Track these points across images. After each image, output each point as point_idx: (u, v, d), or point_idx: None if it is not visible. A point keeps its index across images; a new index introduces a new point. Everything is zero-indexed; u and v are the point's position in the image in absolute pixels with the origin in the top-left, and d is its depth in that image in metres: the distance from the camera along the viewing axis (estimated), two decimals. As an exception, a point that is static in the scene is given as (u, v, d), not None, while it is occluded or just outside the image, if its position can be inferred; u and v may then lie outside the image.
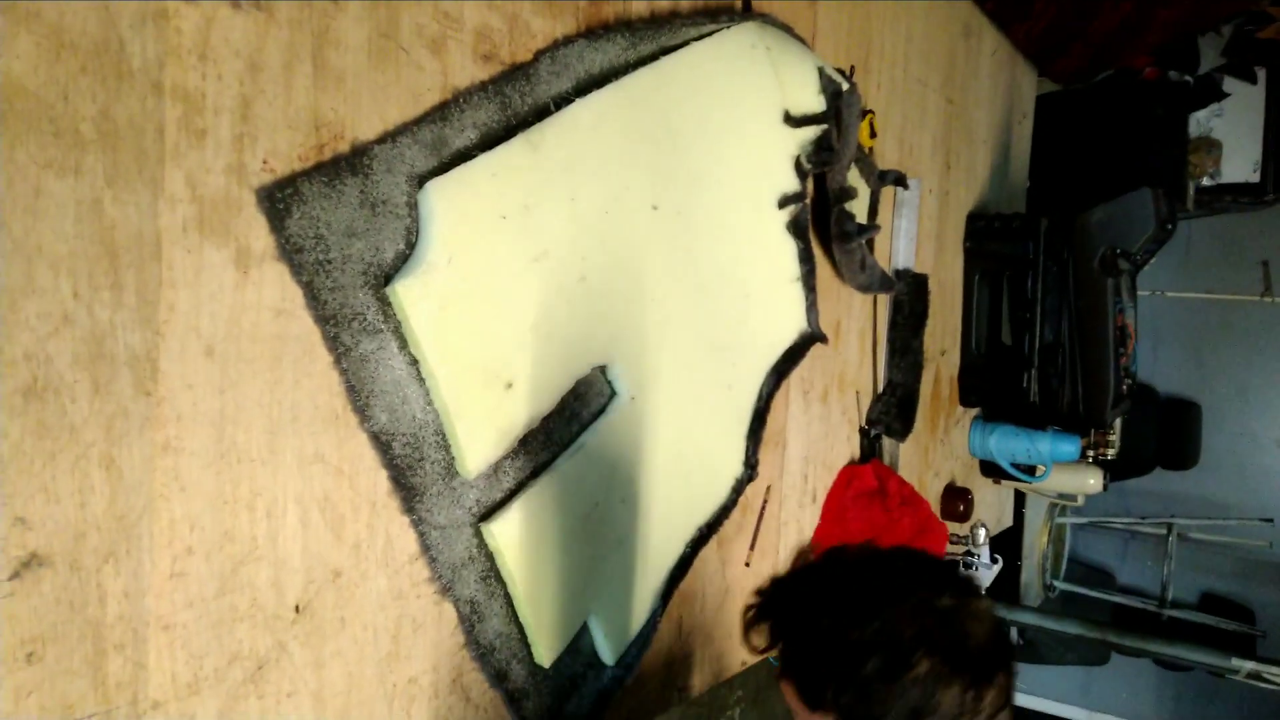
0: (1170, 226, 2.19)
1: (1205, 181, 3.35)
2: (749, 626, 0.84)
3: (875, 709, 0.71)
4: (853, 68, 1.62)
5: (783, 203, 1.29)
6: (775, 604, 0.83)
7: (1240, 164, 3.29)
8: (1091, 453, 2.60)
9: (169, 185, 0.68)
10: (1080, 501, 2.78)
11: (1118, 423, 2.64)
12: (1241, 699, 3.51)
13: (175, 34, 0.68)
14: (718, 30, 1.16)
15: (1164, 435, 3.60)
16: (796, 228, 1.33)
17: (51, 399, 0.62)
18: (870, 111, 1.64)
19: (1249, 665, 2.34)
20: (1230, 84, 3.22)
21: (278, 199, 0.75)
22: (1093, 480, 2.48)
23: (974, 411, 2.34)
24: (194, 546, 0.71)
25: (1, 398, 0.60)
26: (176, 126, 0.68)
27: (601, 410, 1.11)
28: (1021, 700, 4.15)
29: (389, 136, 0.84)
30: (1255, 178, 3.28)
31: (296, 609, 0.79)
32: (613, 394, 1.12)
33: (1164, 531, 3.54)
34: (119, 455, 0.66)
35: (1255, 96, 3.20)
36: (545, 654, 1.04)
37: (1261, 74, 3.18)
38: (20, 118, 0.60)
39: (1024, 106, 2.67)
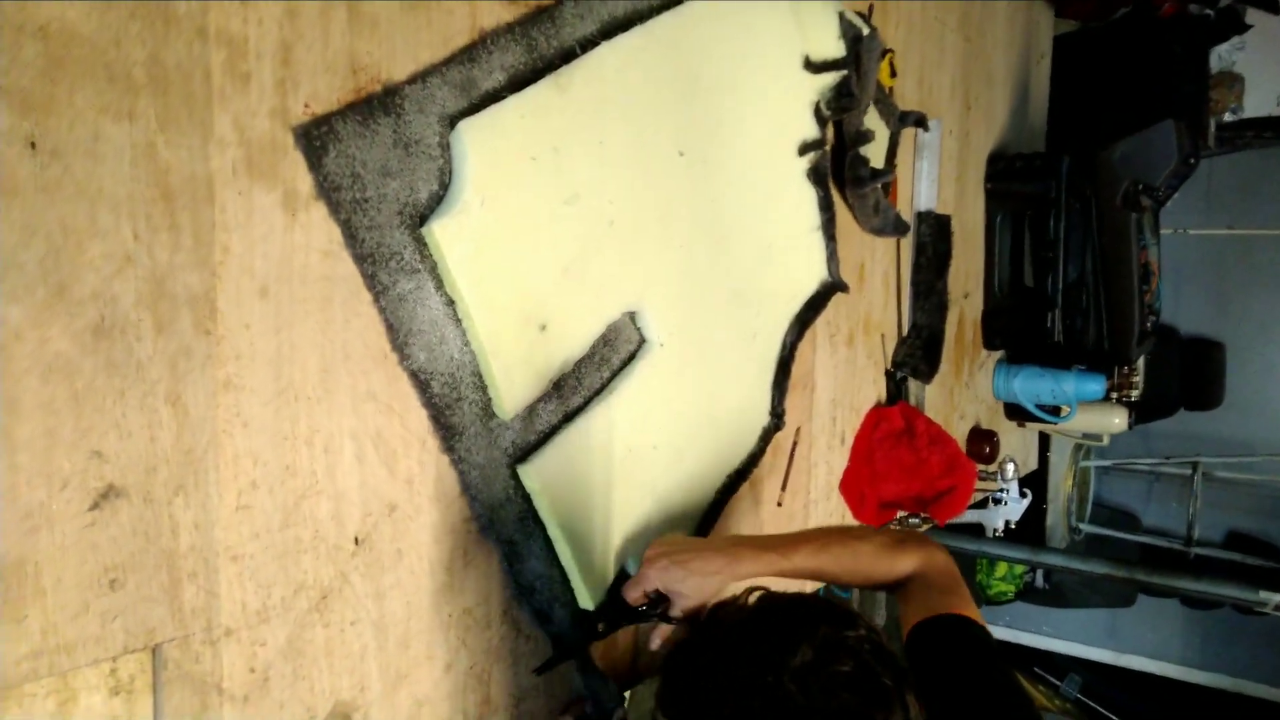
0: (1193, 160, 2.17)
1: (1227, 117, 3.31)
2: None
3: None
4: (871, 5, 1.60)
5: (803, 150, 1.30)
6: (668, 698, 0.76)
7: (1263, 98, 3.24)
8: (1115, 394, 2.61)
9: (218, 129, 0.70)
10: (1105, 441, 2.78)
11: (1141, 363, 2.63)
12: (1267, 637, 3.52)
13: (216, -21, 0.69)
14: (738, -31, 1.16)
15: (1188, 376, 3.59)
16: (816, 175, 1.34)
17: (119, 337, 0.65)
18: (890, 51, 1.63)
19: (1277, 597, 2.36)
20: (1252, 15, 3.16)
21: (314, 137, 0.77)
22: (1118, 419, 2.48)
23: (998, 354, 2.34)
24: (257, 480, 0.74)
25: (73, 335, 0.62)
26: (222, 71, 0.70)
27: (632, 356, 1.12)
28: (1049, 644, 4.20)
29: (419, 77, 0.85)
30: (1278, 111, 3.24)
31: (356, 541, 0.82)
32: (642, 340, 1.13)
33: (1189, 472, 3.53)
34: (183, 392, 0.69)
35: (1278, 27, 3.14)
36: (587, 597, 1.07)
37: (1285, 3, 3.11)
38: (77, 63, 0.62)
39: (1041, 46, 2.63)
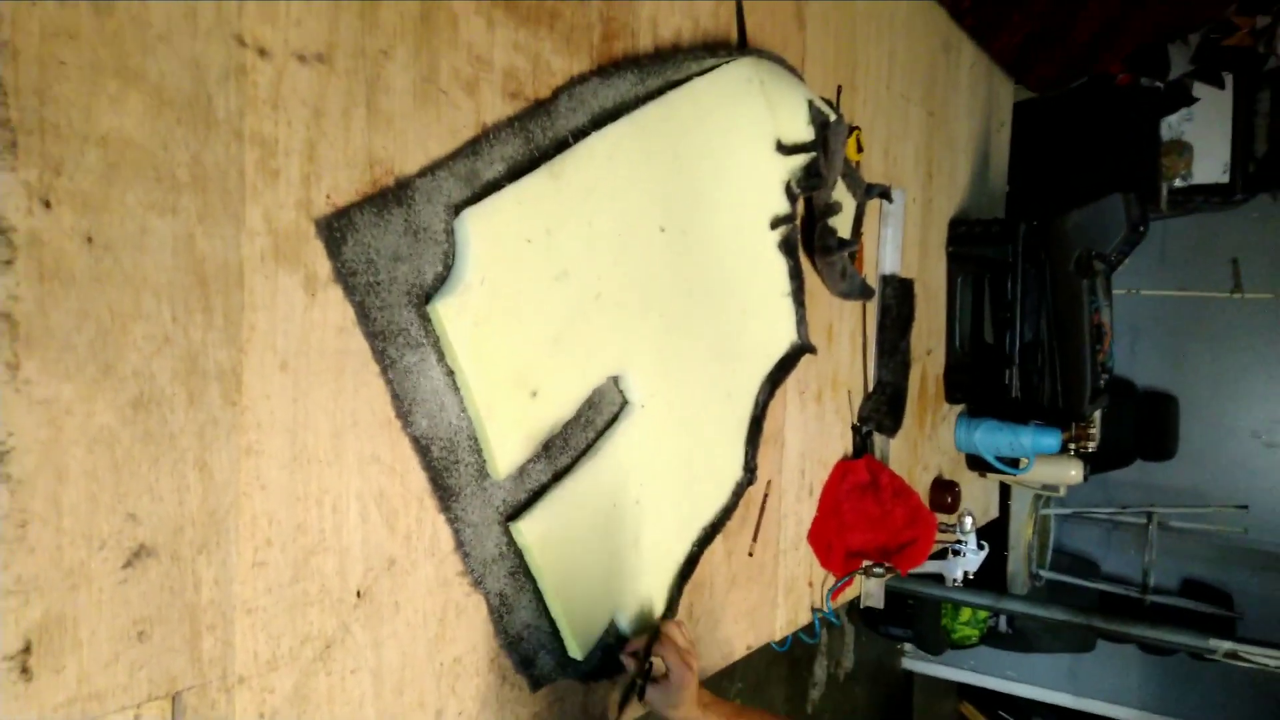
0: (1142, 228, 2.31)
1: (1178, 183, 3.49)
2: None
3: None
4: (839, 87, 1.72)
5: (774, 224, 1.40)
6: None
7: (1210, 166, 3.42)
8: (1073, 446, 2.72)
9: (249, 220, 0.77)
10: (1063, 492, 2.90)
11: (1098, 416, 2.75)
12: (1220, 680, 3.63)
13: (253, 87, 0.77)
14: (717, 65, 1.26)
15: (1143, 427, 3.73)
16: (787, 246, 1.43)
17: (155, 410, 0.72)
18: (857, 128, 1.75)
19: (1226, 645, 2.45)
20: (1199, 89, 3.35)
21: (334, 228, 0.85)
22: (1074, 471, 2.59)
23: (959, 407, 2.45)
24: (272, 538, 0.80)
25: (116, 409, 0.69)
26: (255, 168, 0.77)
27: (615, 417, 1.20)
28: (1011, 688, 4.28)
29: (429, 170, 0.93)
30: (1225, 179, 3.42)
31: (358, 594, 0.88)
32: (625, 402, 1.21)
33: (1144, 521, 3.67)
34: (210, 458, 0.75)
35: (1223, 101, 3.33)
36: (578, 648, 1.13)
37: (1228, 79, 3.31)
38: (130, 166, 0.69)
39: (1001, 115, 2.78)
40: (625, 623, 1.23)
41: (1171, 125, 3.41)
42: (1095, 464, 3.02)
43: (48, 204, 0.65)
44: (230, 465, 0.77)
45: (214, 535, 0.76)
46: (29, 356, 0.64)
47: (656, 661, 1.16)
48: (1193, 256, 3.63)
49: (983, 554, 1.81)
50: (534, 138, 1.05)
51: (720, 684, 2.58)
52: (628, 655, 1.18)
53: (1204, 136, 3.41)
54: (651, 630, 1.18)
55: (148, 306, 0.71)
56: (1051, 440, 2.31)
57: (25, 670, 0.65)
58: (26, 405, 0.64)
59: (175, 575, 0.74)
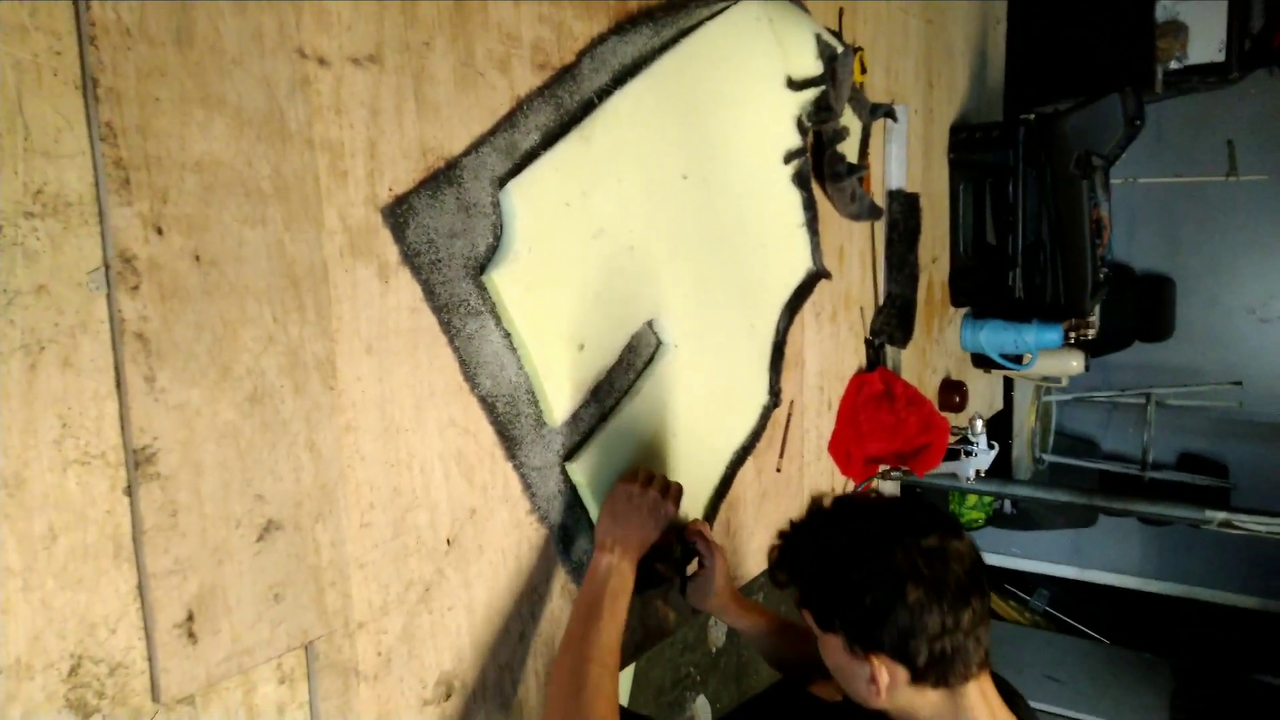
0: (1139, 122, 2.35)
1: (1173, 65, 3.48)
2: (773, 567, 1.01)
3: (874, 631, 0.87)
4: (841, 10, 1.74)
5: (787, 158, 1.45)
6: (792, 549, 0.99)
7: (1206, 45, 3.41)
8: (1073, 334, 2.82)
9: (327, 221, 0.84)
10: (1065, 383, 3.01)
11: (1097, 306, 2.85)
12: (1215, 548, 3.84)
13: (317, 95, 0.83)
14: (726, 7, 1.30)
15: (1141, 310, 3.83)
16: (800, 179, 1.49)
17: (268, 402, 0.80)
18: (860, 49, 1.77)
19: (1220, 515, 2.61)
20: (1195, -34, 3.31)
21: (397, 214, 0.91)
22: (1075, 363, 2.70)
23: (964, 310, 2.54)
24: (374, 502, 0.90)
25: (236, 406, 0.78)
26: (327, 172, 0.84)
27: (652, 358, 1.29)
28: (1018, 564, 4.50)
29: (473, 148, 0.99)
30: (1220, 57, 3.41)
31: (448, 542, 0.99)
32: (659, 344, 1.30)
33: (1143, 400, 3.80)
34: (317, 438, 0.84)
35: (1220, -24, 3.29)
36: None
37: (1225, -46, 3.27)
38: (223, 186, 0.76)
39: (997, 12, 2.78)
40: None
41: (1166, 6, 3.38)
42: (1095, 349, 3.13)
43: (160, 230, 0.72)
44: (334, 442, 0.86)
45: (327, 505, 0.86)
46: (161, 369, 0.72)
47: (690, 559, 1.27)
48: (1189, 141, 3.65)
49: (993, 453, 1.92)
50: (563, 103, 1.10)
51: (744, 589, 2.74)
52: (661, 563, 1.26)
53: (1199, 15, 3.38)
54: (678, 528, 1.26)
55: (252, 311, 0.79)
56: (1054, 335, 2.41)
57: (191, 635, 0.75)
58: (164, 411, 0.73)
59: (299, 543, 0.84)
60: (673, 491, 1.18)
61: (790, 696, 1.02)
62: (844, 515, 0.97)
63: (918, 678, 0.87)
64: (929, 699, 0.88)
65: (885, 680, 0.87)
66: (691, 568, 1.29)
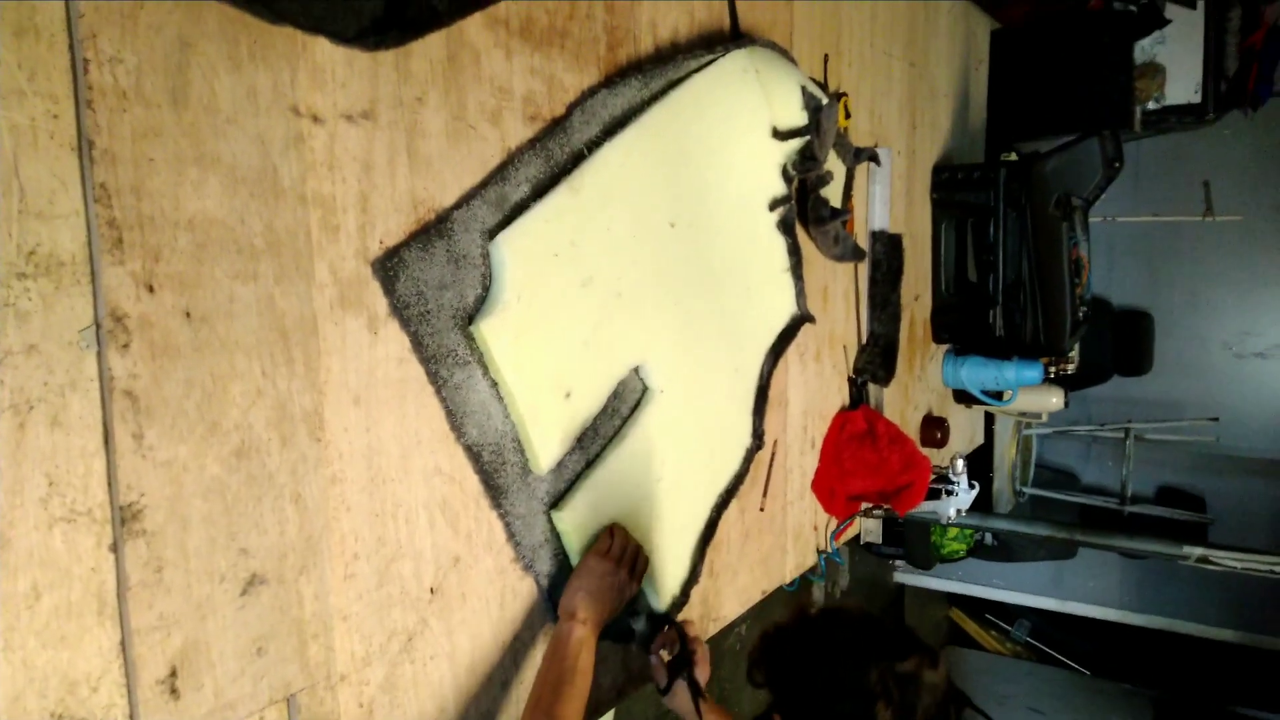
0: (1118, 165, 2.39)
1: (1151, 105, 3.55)
2: (752, 665, 1.04)
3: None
4: (826, 56, 1.77)
5: (772, 205, 1.48)
6: (773, 651, 1.03)
7: (1183, 86, 3.48)
8: (1053, 369, 2.85)
9: (318, 275, 0.85)
10: (1045, 419, 3.04)
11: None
12: (1194, 582, 3.87)
13: (310, 152, 0.84)
14: (714, 59, 1.32)
15: (1120, 344, 3.88)
16: (785, 226, 1.52)
17: (254, 456, 0.81)
18: (844, 94, 1.81)
19: (1198, 551, 2.63)
20: (1171, 10, 3.39)
21: (388, 267, 0.92)
22: (1055, 399, 2.73)
23: (946, 346, 2.56)
24: (359, 553, 0.90)
25: (222, 460, 0.78)
26: (318, 227, 0.85)
27: (638, 404, 1.30)
28: (999, 595, 4.52)
29: (464, 201, 1.00)
30: (1197, 98, 3.48)
31: (431, 591, 0.99)
32: (645, 389, 1.31)
33: (1122, 435, 3.84)
34: (303, 490, 0.85)
35: (1195, 21, 3.38)
36: None
37: (1200, 0, 3.35)
38: (215, 244, 0.77)
39: (979, 54, 2.83)
40: (650, 589, 1.34)
41: (1145, 48, 3.46)
42: (1075, 383, 3.16)
43: (151, 288, 0.73)
44: (320, 494, 0.86)
45: (311, 557, 0.86)
46: (150, 426, 0.73)
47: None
48: (1166, 180, 3.72)
49: (974, 493, 1.94)
50: (553, 155, 1.11)
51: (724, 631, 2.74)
52: (656, 652, 1.25)
53: (1176, 57, 3.46)
54: (673, 628, 1.25)
55: (241, 366, 0.79)
56: (1034, 373, 2.44)
57: (174, 691, 0.75)
58: (152, 468, 0.73)
59: (283, 596, 0.84)
60: (639, 568, 1.20)
61: None
62: (828, 626, 1.02)
63: None
64: None
65: None
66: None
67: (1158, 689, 4.18)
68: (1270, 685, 3.93)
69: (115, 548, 0.72)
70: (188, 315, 0.75)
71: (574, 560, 1.19)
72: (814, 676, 0.96)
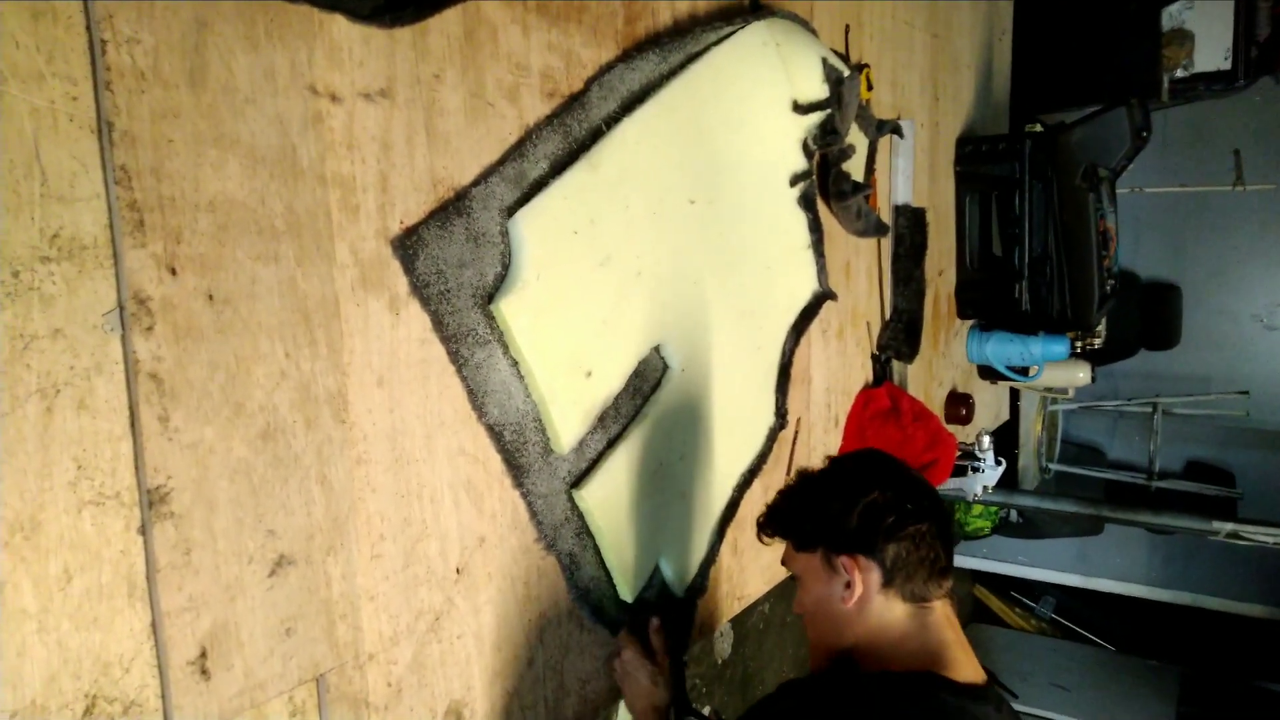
0: (1145, 134, 2.35)
1: (1179, 73, 3.47)
2: (761, 525, 1.12)
3: (844, 526, 0.98)
4: (847, 26, 1.74)
5: (793, 181, 1.45)
6: (780, 503, 1.11)
7: (1212, 53, 3.40)
8: (1080, 344, 2.81)
9: (339, 256, 0.85)
10: (1071, 394, 3.01)
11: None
12: (1222, 558, 3.83)
13: (329, 132, 0.83)
14: (733, 32, 1.30)
15: (1147, 318, 3.83)
16: (806, 201, 1.49)
17: (280, 438, 0.81)
18: (866, 66, 1.77)
19: (1228, 526, 2.61)
20: (1201, -26, 3.31)
21: (407, 246, 0.92)
22: (1081, 374, 2.69)
23: (971, 322, 2.53)
24: (385, 534, 0.91)
25: (248, 442, 0.78)
26: (338, 207, 0.84)
27: (658, 383, 1.29)
28: (1025, 571, 4.50)
29: (482, 178, 0.99)
30: (1227, 65, 3.40)
31: (457, 571, 0.99)
32: (666, 368, 1.30)
33: (1149, 409, 3.79)
34: (329, 472, 0.85)
35: (1225, -15, 3.29)
36: (627, 591, 1.25)
37: (1231, -38, 3.26)
38: (237, 225, 0.76)
39: (1003, 24, 2.77)
40: (668, 566, 1.34)
41: (1173, 14, 3.38)
42: (1101, 358, 3.12)
43: (173, 271, 0.73)
44: (345, 475, 0.86)
45: (338, 538, 0.86)
46: (175, 408, 0.73)
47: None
48: (1195, 150, 3.65)
49: (1000, 469, 1.92)
50: (571, 131, 1.10)
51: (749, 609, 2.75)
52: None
53: (1205, 23, 3.38)
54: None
55: (264, 348, 0.79)
56: (1060, 348, 2.40)
57: (204, 671, 0.76)
58: (178, 451, 0.73)
59: (310, 576, 0.84)
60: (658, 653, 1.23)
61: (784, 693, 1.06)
62: (833, 466, 1.09)
63: (887, 580, 0.95)
64: (897, 614, 0.95)
65: (859, 583, 0.95)
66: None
67: (1184, 665, 4.15)
68: (1300, 661, 3.90)
69: (144, 530, 0.72)
70: (210, 297, 0.75)
71: (598, 538, 1.19)
72: (815, 494, 1.05)
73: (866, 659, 0.95)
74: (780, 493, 1.12)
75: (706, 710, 1.23)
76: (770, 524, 1.10)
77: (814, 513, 1.03)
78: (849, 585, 0.96)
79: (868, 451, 1.13)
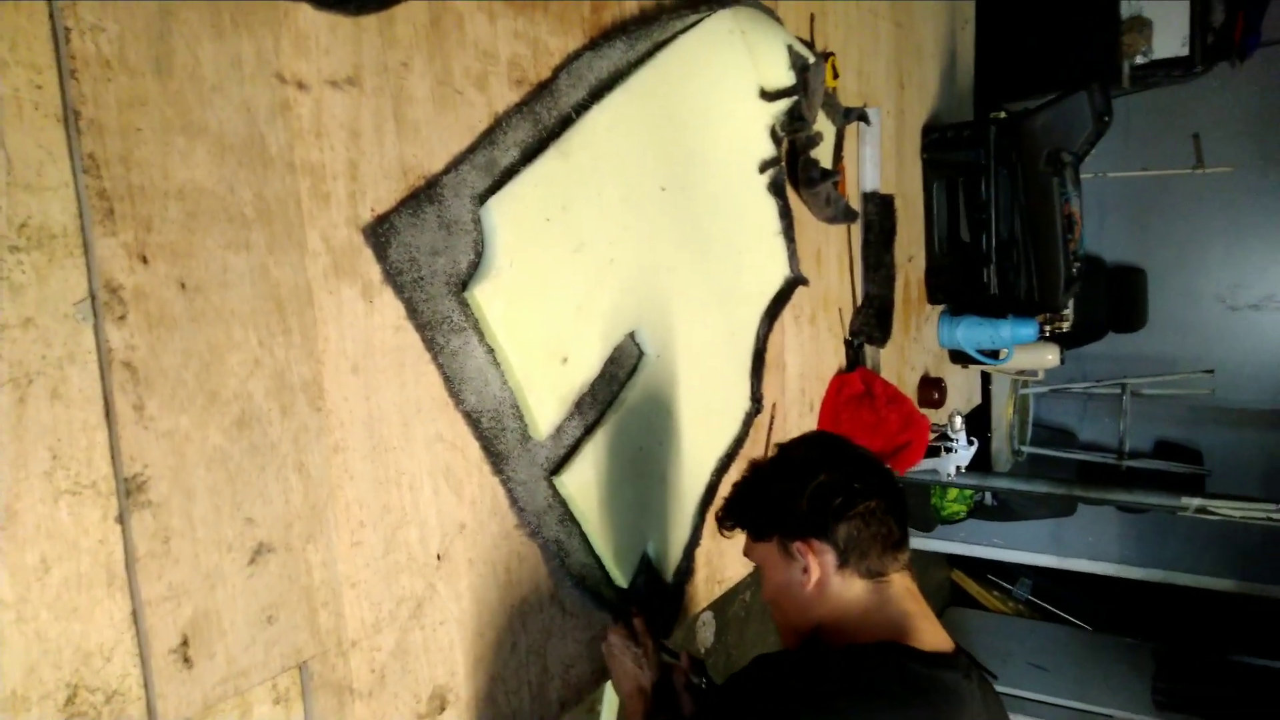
0: (1107, 118, 2.39)
1: (1139, 59, 3.53)
2: (719, 518, 1.13)
3: (795, 511, 0.99)
4: (812, 15, 1.76)
5: (762, 167, 1.47)
6: (734, 496, 1.11)
7: (1170, 39, 3.46)
8: (1048, 328, 2.86)
9: (310, 243, 0.85)
10: (1041, 375, 3.05)
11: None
12: (1191, 534, 3.90)
13: (297, 120, 0.83)
14: (699, 20, 1.31)
15: (1113, 301, 3.89)
16: (775, 188, 1.51)
17: (256, 425, 0.81)
18: (831, 54, 1.80)
19: (1196, 502, 2.66)
20: (1157, -38, 3.37)
21: (380, 234, 0.92)
22: (1050, 356, 2.73)
23: (941, 307, 2.57)
24: (364, 521, 0.91)
25: (224, 430, 0.78)
26: (308, 195, 0.84)
27: (634, 369, 1.30)
28: (1000, 554, 4.55)
29: (453, 166, 1.00)
30: (1184, 51, 3.47)
31: (438, 557, 1.00)
32: (641, 355, 1.31)
33: (1118, 391, 3.86)
34: (306, 460, 0.85)
35: (1181, -28, 3.35)
36: (620, 577, 1.26)
37: (1185, -50, 3.32)
38: (206, 213, 0.76)
39: (966, 13, 2.81)
40: (655, 550, 1.35)
41: (1130, 3, 3.44)
42: (1070, 341, 3.16)
43: (145, 259, 0.72)
44: (323, 463, 0.87)
45: (317, 525, 0.86)
46: (150, 397, 0.73)
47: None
48: (1156, 135, 3.71)
49: (973, 449, 1.95)
50: (541, 119, 1.11)
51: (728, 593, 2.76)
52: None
53: (1163, 11, 3.44)
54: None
55: (237, 336, 0.79)
56: (1029, 331, 2.44)
57: (186, 660, 0.76)
58: (154, 439, 0.73)
59: (290, 564, 0.84)
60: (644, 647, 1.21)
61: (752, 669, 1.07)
62: (782, 453, 1.10)
63: (842, 560, 0.96)
64: (856, 591, 0.97)
65: (815, 567, 0.96)
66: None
67: (1158, 641, 4.23)
68: (1269, 633, 3.98)
69: (122, 519, 0.72)
70: (182, 286, 0.75)
71: (582, 523, 1.20)
72: (766, 483, 1.05)
73: (833, 637, 0.96)
74: (734, 485, 1.13)
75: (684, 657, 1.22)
76: (727, 517, 1.12)
77: (765, 502, 1.04)
78: (806, 570, 0.97)
79: (814, 434, 1.15)
